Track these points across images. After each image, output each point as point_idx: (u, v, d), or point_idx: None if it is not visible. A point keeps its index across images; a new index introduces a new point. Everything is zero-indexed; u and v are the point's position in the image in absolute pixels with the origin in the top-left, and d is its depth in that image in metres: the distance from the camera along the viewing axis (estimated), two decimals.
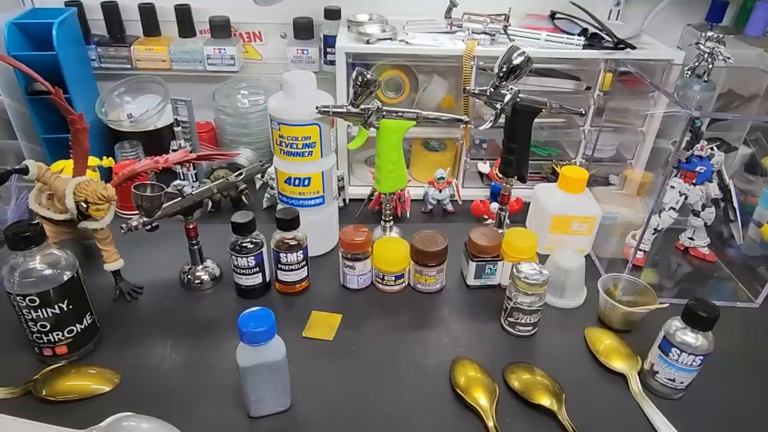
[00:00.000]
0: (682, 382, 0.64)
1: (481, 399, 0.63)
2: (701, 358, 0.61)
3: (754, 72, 0.93)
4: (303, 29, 1.12)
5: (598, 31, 0.96)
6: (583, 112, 0.83)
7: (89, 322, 0.68)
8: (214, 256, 0.83)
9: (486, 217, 1.00)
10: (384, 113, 0.77)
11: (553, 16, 1.03)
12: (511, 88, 0.76)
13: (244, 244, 0.75)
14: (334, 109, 0.77)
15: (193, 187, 0.90)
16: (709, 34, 0.83)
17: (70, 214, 0.71)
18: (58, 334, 0.65)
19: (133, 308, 0.77)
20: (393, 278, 0.80)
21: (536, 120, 0.78)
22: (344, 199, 1.04)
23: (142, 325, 0.74)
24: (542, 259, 0.84)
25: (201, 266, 0.82)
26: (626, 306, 0.73)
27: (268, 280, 0.80)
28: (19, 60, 0.70)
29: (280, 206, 0.86)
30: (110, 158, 0.99)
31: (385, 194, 0.86)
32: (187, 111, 0.93)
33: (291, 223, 0.76)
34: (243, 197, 0.95)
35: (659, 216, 0.84)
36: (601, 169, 1.04)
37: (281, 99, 0.79)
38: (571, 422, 0.60)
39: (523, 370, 0.67)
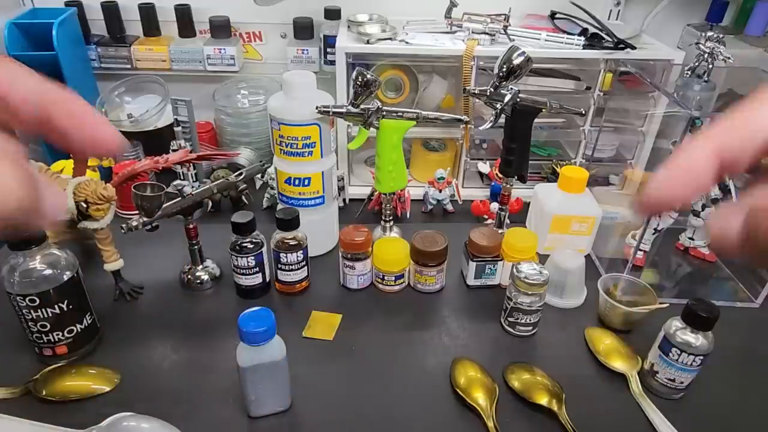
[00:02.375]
0: (682, 382, 0.64)
1: (481, 399, 0.63)
2: (701, 358, 0.61)
3: (754, 72, 0.93)
4: (303, 29, 1.12)
5: (598, 31, 0.96)
6: (583, 112, 0.83)
7: (89, 322, 0.68)
8: (214, 256, 0.83)
9: (486, 217, 1.00)
10: (384, 113, 0.77)
11: (553, 16, 1.02)
12: (511, 88, 0.76)
13: (244, 244, 0.75)
14: (334, 109, 0.77)
15: (193, 187, 0.90)
16: (709, 34, 0.83)
17: (70, 214, 0.71)
18: (58, 334, 0.65)
19: (133, 308, 0.77)
20: (393, 278, 0.80)
21: (536, 120, 0.78)
22: (344, 199, 1.03)
23: (142, 325, 0.74)
24: (542, 259, 0.84)
25: (201, 266, 0.82)
26: (626, 306, 0.73)
27: (268, 280, 0.80)
28: (19, 60, 0.70)
29: (280, 206, 0.86)
30: (110, 158, 0.99)
31: (385, 194, 0.86)
32: (187, 111, 0.93)
33: (291, 223, 0.76)
34: (243, 197, 0.95)
35: (659, 216, 0.84)
36: (601, 169, 1.04)
37: (281, 99, 0.79)
38: (571, 422, 0.60)
39: (523, 370, 0.67)
